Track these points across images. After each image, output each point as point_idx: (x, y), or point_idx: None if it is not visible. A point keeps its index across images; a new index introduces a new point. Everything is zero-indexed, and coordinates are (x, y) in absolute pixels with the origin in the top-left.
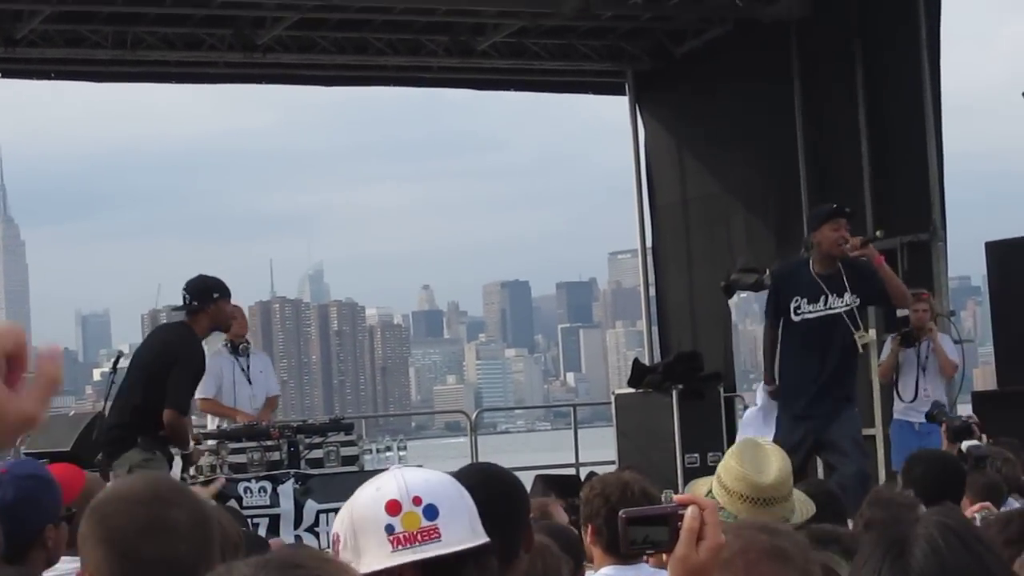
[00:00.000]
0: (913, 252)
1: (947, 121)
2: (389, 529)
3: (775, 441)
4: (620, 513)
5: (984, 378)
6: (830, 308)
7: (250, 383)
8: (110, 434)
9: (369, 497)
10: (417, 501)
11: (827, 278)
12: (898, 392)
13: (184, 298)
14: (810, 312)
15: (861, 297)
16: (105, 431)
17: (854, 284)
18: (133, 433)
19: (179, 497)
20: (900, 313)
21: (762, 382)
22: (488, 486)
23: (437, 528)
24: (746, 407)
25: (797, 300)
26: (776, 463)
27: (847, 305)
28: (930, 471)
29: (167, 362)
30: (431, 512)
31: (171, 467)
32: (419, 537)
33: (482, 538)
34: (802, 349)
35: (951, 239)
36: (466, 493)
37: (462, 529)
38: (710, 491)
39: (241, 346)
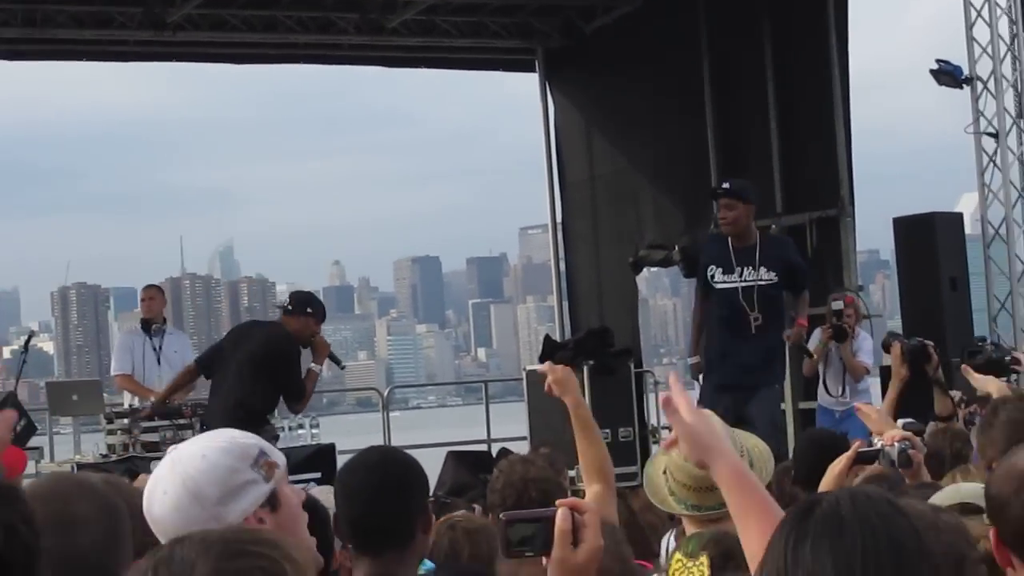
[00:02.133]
0: (822, 227)
1: (857, 97)
2: None
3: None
4: (500, 515)
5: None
6: (746, 279)
7: (159, 363)
8: (236, 415)
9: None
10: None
11: (742, 251)
12: (825, 386)
13: (286, 301)
14: (729, 281)
15: (781, 279)
16: (232, 412)
17: (771, 262)
18: (257, 418)
19: (82, 492)
20: (834, 306)
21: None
22: (383, 467)
23: None
24: (656, 382)
25: (712, 268)
26: None
27: (767, 280)
28: (819, 453)
29: (275, 363)
30: None
31: None
32: None
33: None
34: (732, 319)
35: (859, 213)
36: (163, 516)
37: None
38: (666, 468)
39: (154, 326)
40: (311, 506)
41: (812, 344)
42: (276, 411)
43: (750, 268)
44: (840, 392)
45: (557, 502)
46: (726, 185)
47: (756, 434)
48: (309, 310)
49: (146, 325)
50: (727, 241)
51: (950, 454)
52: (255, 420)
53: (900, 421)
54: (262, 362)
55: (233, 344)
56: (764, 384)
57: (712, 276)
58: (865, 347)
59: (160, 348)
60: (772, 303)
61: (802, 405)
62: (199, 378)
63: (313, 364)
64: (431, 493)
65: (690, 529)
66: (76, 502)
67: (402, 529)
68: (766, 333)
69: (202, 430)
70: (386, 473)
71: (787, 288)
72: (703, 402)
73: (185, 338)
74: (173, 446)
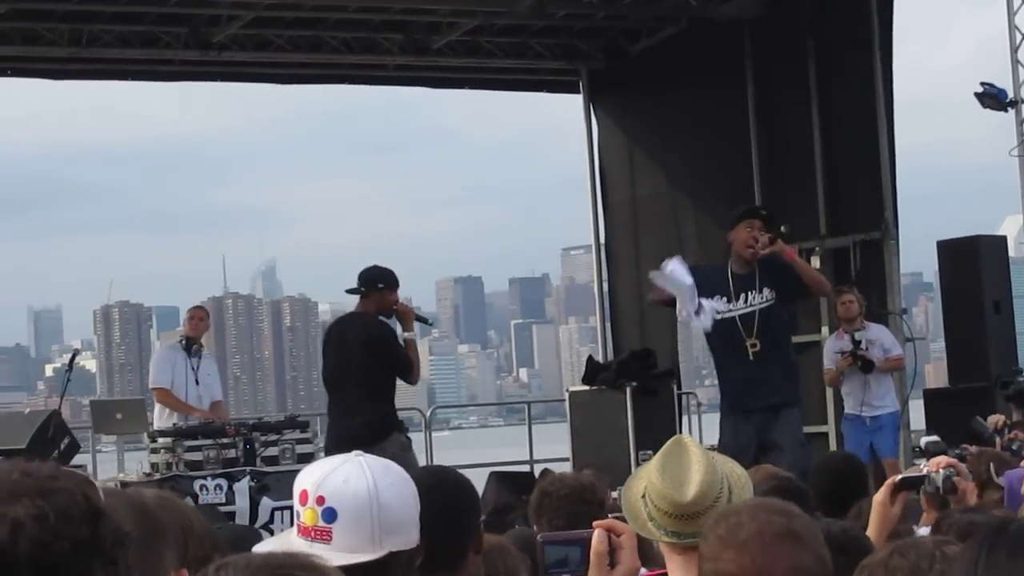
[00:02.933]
0: (865, 250)
1: (901, 119)
2: (297, 515)
3: (722, 443)
4: (537, 537)
5: (936, 374)
6: (750, 305)
7: (197, 383)
8: (364, 427)
9: (305, 474)
10: (320, 501)
11: (745, 277)
12: (848, 396)
13: (356, 284)
14: (732, 310)
15: (778, 292)
16: (366, 419)
17: (769, 281)
18: (389, 420)
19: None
20: (856, 336)
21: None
22: (439, 489)
23: (330, 531)
24: (699, 404)
25: (718, 299)
26: (697, 474)
27: (766, 300)
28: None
29: (378, 353)
30: (329, 515)
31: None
32: (313, 533)
33: (379, 552)
34: (730, 349)
35: (902, 234)
36: (389, 504)
37: (359, 541)
38: (645, 492)
39: (194, 347)
40: None
41: (828, 363)
42: (319, 430)
43: (753, 292)
44: (859, 401)
45: (594, 523)
46: (764, 211)
47: (784, 458)
48: (380, 285)
49: (188, 344)
50: (727, 269)
51: (988, 478)
52: (392, 415)
53: (923, 439)
54: (374, 357)
55: (335, 353)
56: (782, 405)
57: (717, 308)
58: (885, 341)
59: (198, 368)
60: (773, 324)
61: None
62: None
63: (405, 333)
64: None
65: (668, 555)
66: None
67: (456, 551)
68: (776, 355)
69: (344, 434)
70: (440, 495)
71: (790, 298)
72: (725, 435)
73: (215, 364)
74: (344, 455)
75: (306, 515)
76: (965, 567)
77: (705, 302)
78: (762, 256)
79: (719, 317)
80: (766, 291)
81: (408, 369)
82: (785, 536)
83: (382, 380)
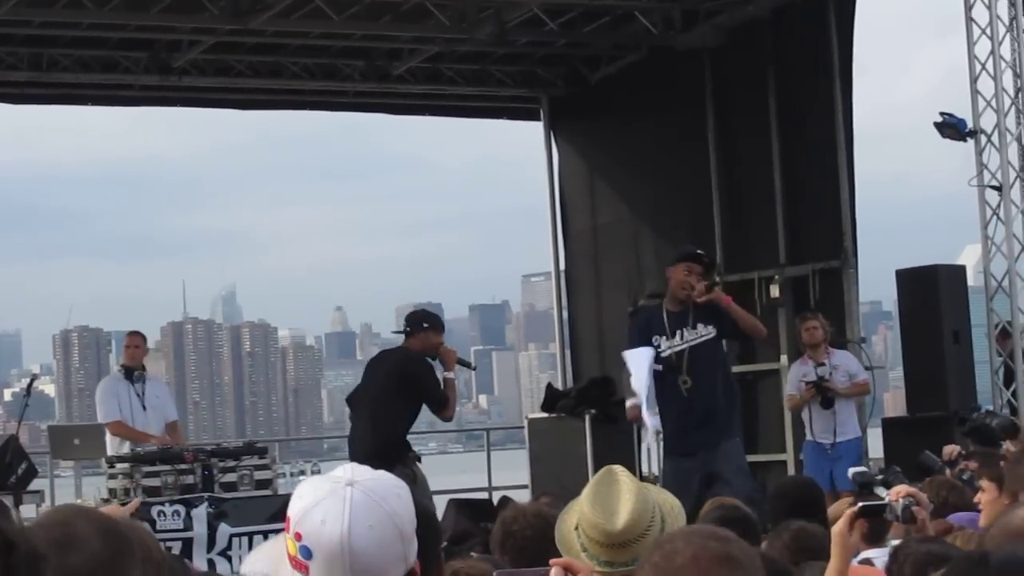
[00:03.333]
0: (825, 279)
1: (861, 148)
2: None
3: (664, 484)
4: (493, 573)
5: (895, 403)
6: (686, 340)
7: (144, 409)
8: (376, 451)
9: (296, 497)
10: (298, 537)
11: (679, 315)
12: (809, 423)
13: (403, 326)
14: (668, 348)
15: (716, 328)
16: (368, 448)
17: (704, 317)
18: (395, 450)
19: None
20: (819, 372)
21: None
22: None
23: (308, 567)
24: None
25: (656, 339)
26: (628, 504)
27: (703, 335)
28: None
29: (408, 384)
30: (305, 552)
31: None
32: (294, 562)
33: None
34: (667, 385)
35: (862, 263)
36: (363, 550)
37: None
38: (577, 524)
39: (135, 373)
40: None
41: (791, 389)
42: (277, 456)
43: (688, 328)
44: (824, 429)
45: (551, 561)
46: (707, 258)
47: (728, 489)
48: (425, 325)
49: (128, 372)
50: (663, 308)
51: (938, 504)
52: (396, 445)
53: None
54: (395, 387)
55: (368, 377)
56: (723, 440)
57: (658, 346)
58: (851, 366)
59: (143, 394)
60: (706, 358)
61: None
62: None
63: (446, 372)
64: None
65: None
66: (75, 522)
67: None
68: (714, 386)
69: (351, 458)
70: None
71: (726, 337)
72: (667, 475)
73: (163, 384)
74: (337, 476)
75: (289, 544)
76: None
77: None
78: (699, 301)
79: (663, 354)
80: (700, 326)
81: (443, 404)
82: (722, 560)
83: (397, 411)
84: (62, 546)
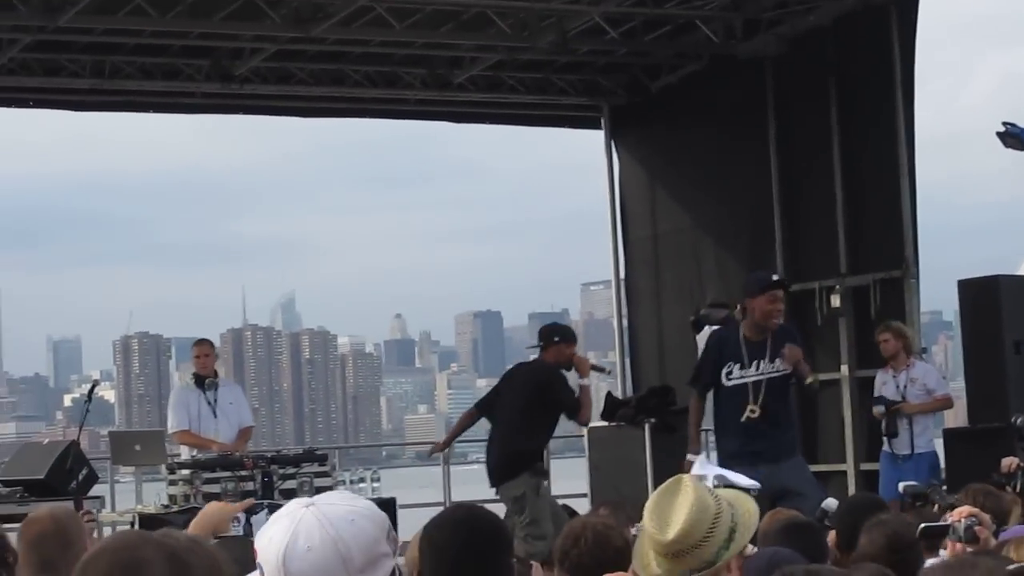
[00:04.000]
0: (886, 289)
1: (922, 158)
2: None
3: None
4: None
5: (956, 413)
6: (761, 373)
7: (215, 416)
8: (506, 459)
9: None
10: (256, 552)
11: (756, 344)
12: (884, 431)
13: (537, 341)
14: (741, 378)
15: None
16: (497, 457)
17: (782, 353)
18: (524, 460)
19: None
20: (875, 410)
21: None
22: (470, 524)
23: None
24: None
25: (730, 366)
26: (682, 513)
27: (776, 371)
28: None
29: (542, 394)
30: (259, 566)
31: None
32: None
33: None
34: (733, 409)
35: (923, 273)
36: (300, 570)
37: None
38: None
39: (207, 380)
40: None
41: (876, 389)
42: (336, 463)
43: (764, 361)
44: (895, 434)
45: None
46: (786, 281)
47: (805, 502)
48: (556, 339)
49: (199, 380)
50: (739, 333)
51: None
52: (526, 455)
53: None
54: (530, 398)
55: (505, 386)
56: (785, 456)
57: (729, 373)
58: (930, 379)
59: (215, 401)
60: (778, 393)
61: (863, 467)
62: (479, 419)
63: (581, 380)
64: None
65: None
66: (141, 547)
67: None
68: (778, 419)
69: (487, 465)
70: (473, 530)
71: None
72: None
73: (238, 388)
74: (307, 499)
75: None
76: None
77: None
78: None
79: (730, 384)
80: (777, 361)
81: (575, 409)
82: None
83: (533, 422)
84: (127, 569)
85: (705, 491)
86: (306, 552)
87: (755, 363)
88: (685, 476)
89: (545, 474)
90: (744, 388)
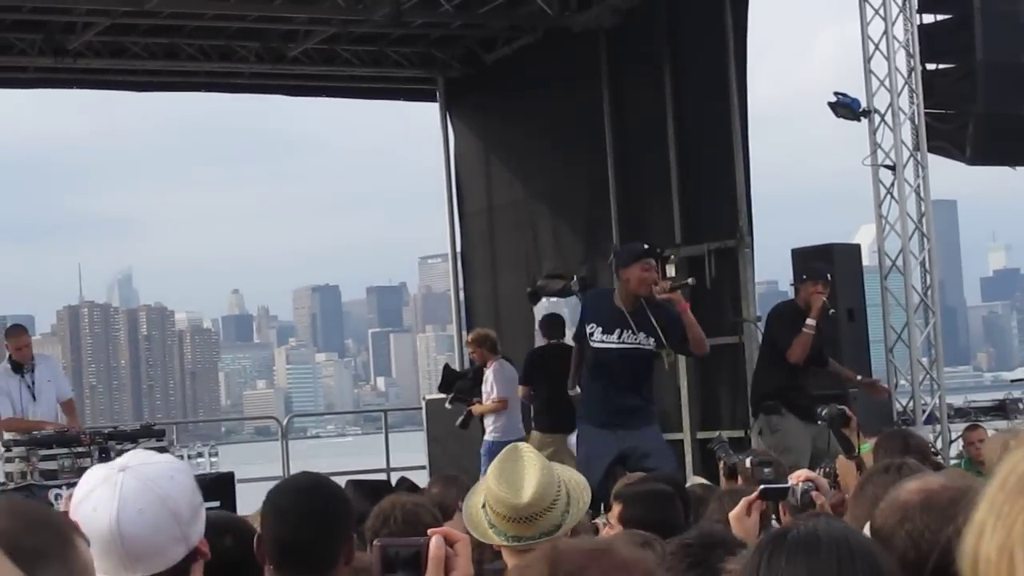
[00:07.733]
0: (720, 258)
1: (756, 129)
2: None
3: (578, 447)
4: (375, 542)
5: None
6: (623, 343)
7: (34, 399)
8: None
9: (76, 489)
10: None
11: (628, 314)
12: None
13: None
14: (602, 342)
15: (657, 340)
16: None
17: (650, 327)
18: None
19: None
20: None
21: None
22: (313, 493)
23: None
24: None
25: (592, 327)
26: (533, 478)
27: (640, 344)
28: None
29: None
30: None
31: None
32: None
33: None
34: (597, 375)
35: (758, 244)
36: (135, 535)
37: (112, 565)
38: (484, 502)
39: (24, 367)
40: (236, 526)
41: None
42: (175, 439)
43: (630, 332)
44: None
45: (429, 531)
46: (660, 250)
47: (651, 462)
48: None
49: (16, 367)
50: (614, 300)
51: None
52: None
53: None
54: None
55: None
56: (641, 425)
57: (592, 334)
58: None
59: (34, 384)
60: (638, 367)
61: (700, 435)
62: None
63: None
64: None
65: (510, 560)
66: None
67: (326, 554)
68: (637, 390)
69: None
70: (316, 497)
71: (668, 346)
72: (583, 441)
73: (52, 361)
74: (115, 463)
75: None
76: (748, 572)
77: None
78: (655, 298)
79: (594, 345)
80: (641, 335)
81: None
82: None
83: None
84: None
85: (543, 456)
86: (138, 515)
87: (617, 331)
88: (522, 444)
89: None
90: (604, 352)
